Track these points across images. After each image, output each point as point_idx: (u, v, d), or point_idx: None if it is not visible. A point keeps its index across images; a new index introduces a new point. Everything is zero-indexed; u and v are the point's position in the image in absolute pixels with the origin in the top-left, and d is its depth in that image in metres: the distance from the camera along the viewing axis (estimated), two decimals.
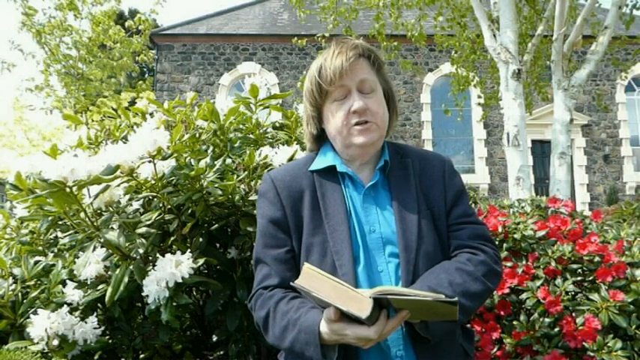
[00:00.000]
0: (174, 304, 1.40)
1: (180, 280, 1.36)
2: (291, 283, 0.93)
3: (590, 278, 1.66)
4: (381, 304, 0.92)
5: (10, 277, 1.67)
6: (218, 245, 1.78)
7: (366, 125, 1.14)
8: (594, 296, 1.55)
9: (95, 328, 1.53)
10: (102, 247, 1.51)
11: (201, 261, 1.45)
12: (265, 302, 1.10)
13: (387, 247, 1.12)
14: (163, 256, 1.40)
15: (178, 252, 1.43)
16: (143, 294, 1.38)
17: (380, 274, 1.10)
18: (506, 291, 1.64)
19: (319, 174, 1.20)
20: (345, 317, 0.94)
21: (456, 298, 0.88)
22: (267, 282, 1.14)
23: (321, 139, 1.27)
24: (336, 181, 1.19)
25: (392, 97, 1.25)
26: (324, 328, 0.97)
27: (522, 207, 2.22)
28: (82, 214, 1.41)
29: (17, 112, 15.29)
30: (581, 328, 1.50)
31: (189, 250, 1.45)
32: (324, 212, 1.15)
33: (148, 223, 1.50)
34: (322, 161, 1.22)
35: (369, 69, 1.18)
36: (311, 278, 0.92)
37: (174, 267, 1.36)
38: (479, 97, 8.40)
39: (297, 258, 1.16)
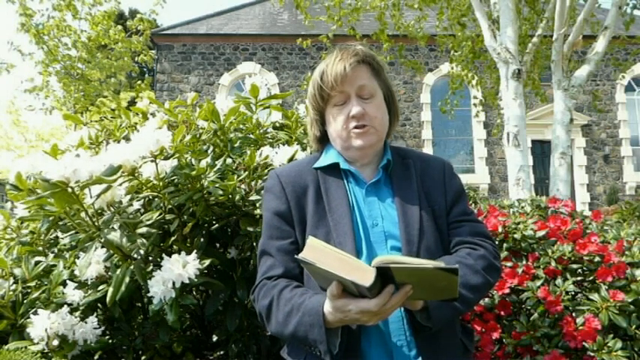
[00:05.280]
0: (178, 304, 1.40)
1: (187, 281, 1.36)
2: (296, 256, 0.94)
3: (591, 278, 1.66)
4: (384, 279, 0.93)
5: (11, 278, 1.67)
6: (218, 245, 1.78)
7: (364, 129, 1.19)
8: (594, 296, 1.55)
9: (95, 329, 1.53)
10: (102, 247, 1.51)
11: (207, 262, 1.46)
12: (269, 291, 1.12)
13: (389, 241, 1.15)
14: (168, 256, 1.40)
15: (183, 253, 1.43)
16: (149, 294, 1.38)
17: None
18: (507, 291, 1.64)
19: (323, 171, 1.24)
20: (347, 294, 0.96)
21: (456, 266, 0.88)
22: (271, 272, 1.16)
23: (324, 140, 1.31)
24: (340, 178, 1.23)
25: (392, 99, 1.29)
26: (327, 307, 0.98)
27: (522, 207, 2.23)
28: (83, 214, 1.41)
29: (13, 115, 15.25)
30: (581, 328, 1.50)
31: (194, 251, 1.45)
32: (328, 206, 1.18)
33: (149, 223, 1.49)
34: (326, 159, 1.26)
35: (368, 75, 1.22)
36: (315, 250, 0.92)
37: (181, 267, 1.37)
38: (474, 97, 8.42)
39: (301, 250, 1.17)
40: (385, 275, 0.91)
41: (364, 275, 0.88)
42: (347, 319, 0.97)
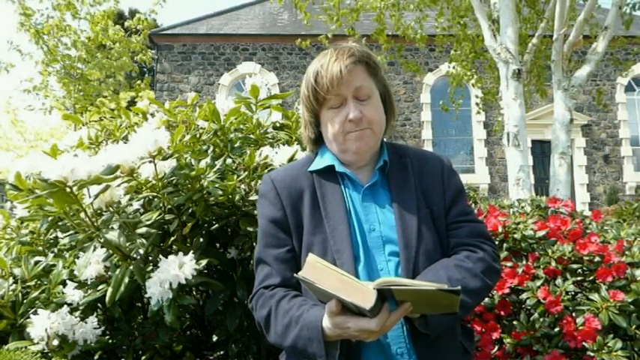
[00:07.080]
0: (176, 304, 1.39)
1: (183, 282, 1.35)
2: (295, 275, 0.93)
3: (591, 278, 1.66)
4: (383, 297, 0.92)
5: (11, 277, 1.66)
6: (218, 245, 1.78)
7: (361, 132, 1.16)
8: (594, 296, 1.55)
9: (95, 328, 1.53)
10: (102, 247, 1.51)
11: (204, 262, 1.45)
12: (266, 301, 1.11)
13: (386, 246, 1.13)
14: (165, 256, 1.40)
15: (180, 253, 1.42)
16: (146, 295, 1.38)
17: (380, 272, 1.11)
18: (507, 291, 1.64)
19: (319, 174, 1.21)
20: (346, 310, 0.95)
21: (459, 287, 0.88)
22: (268, 281, 1.14)
23: (319, 141, 1.28)
24: (336, 181, 1.20)
25: (389, 98, 1.25)
26: (326, 323, 0.97)
27: (522, 207, 2.23)
28: (82, 214, 1.41)
29: (10, 114, 15.24)
30: (581, 328, 1.50)
31: (191, 251, 1.44)
32: (324, 212, 1.15)
33: (148, 223, 1.49)
34: (321, 162, 1.23)
35: (365, 75, 1.17)
36: (315, 270, 0.91)
37: (178, 268, 1.36)
38: (476, 97, 8.42)
39: (298, 258, 1.16)
40: (383, 294, 0.91)
41: (364, 297, 0.87)
42: (345, 334, 0.96)
